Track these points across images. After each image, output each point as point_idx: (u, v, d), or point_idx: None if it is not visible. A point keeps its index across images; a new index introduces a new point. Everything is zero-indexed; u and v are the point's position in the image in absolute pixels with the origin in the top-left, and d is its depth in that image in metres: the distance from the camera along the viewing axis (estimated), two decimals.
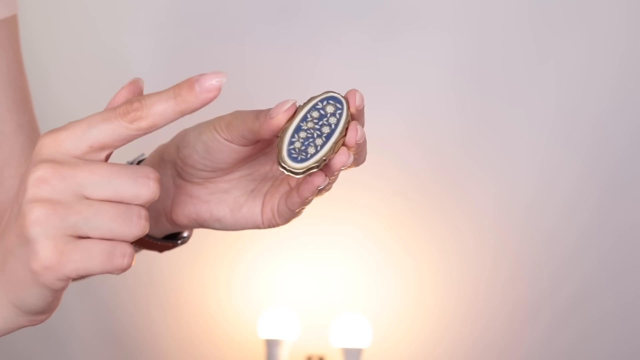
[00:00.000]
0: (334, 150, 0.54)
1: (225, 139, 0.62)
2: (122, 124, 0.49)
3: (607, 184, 1.81)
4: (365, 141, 0.57)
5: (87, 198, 0.48)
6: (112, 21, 1.81)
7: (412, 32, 1.79)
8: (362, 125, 0.56)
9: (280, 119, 0.56)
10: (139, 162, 0.68)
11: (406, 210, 1.81)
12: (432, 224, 1.82)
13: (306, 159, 0.53)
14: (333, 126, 0.54)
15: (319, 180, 0.55)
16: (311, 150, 0.54)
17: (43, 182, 0.47)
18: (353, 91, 0.56)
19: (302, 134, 0.54)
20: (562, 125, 1.81)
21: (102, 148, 0.50)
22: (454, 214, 1.82)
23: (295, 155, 0.54)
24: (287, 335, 1.70)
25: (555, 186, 1.81)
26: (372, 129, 1.78)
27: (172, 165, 0.65)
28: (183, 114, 0.51)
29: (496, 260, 1.83)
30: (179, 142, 0.64)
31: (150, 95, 0.50)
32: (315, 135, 0.54)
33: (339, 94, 0.56)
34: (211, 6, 1.79)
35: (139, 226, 0.49)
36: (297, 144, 0.54)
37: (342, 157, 0.54)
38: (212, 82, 0.51)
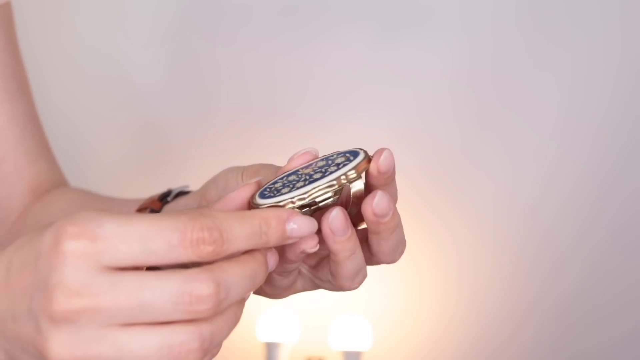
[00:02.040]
0: (312, 197, 0.44)
1: None
2: (193, 257, 0.39)
3: (607, 185, 1.81)
4: (391, 220, 0.48)
5: (122, 325, 0.39)
6: (111, 23, 1.81)
7: (412, 34, 1.79)
8: (390, 198, 0.47)
9: (292, 165, 0.48)
10: (178, 195, 0.61)
11: (404, 212, 1.80)
12: (431, 225, 1.82)
13: (272, 197, 0.45)
14: (326, 173, 0.44)
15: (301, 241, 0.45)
16: (285, 190, 0.45)
17: (68, 322, 0.38)
18: (380, 150, 0.46)
19: (292, 177, 0.46)
20: (562, 126, 1.81)
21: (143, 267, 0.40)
22: (453, 214, 1.82)
23: (266, 193, 0.45)
24: (286, 337, 1.70)
25: (554, 187, 1.81)
26: (370, 130, 1.78)
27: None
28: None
29: (495, 260, 1.83)
30: (214, 186, 0.56)
31: (231, 223, 0.40)
32: (303, 179, 0.45)
33: (363, 150, 0.46)
34: (211, 7, 1.79)
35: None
36: (278, 184, 0.46)
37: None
38: (303, 229, 0.43)
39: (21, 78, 0.76)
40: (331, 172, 0.44)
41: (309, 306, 1.78)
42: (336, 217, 0.45)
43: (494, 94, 1.81)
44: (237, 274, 0.40)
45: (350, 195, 0.46)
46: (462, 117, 1.81)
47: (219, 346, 0.40)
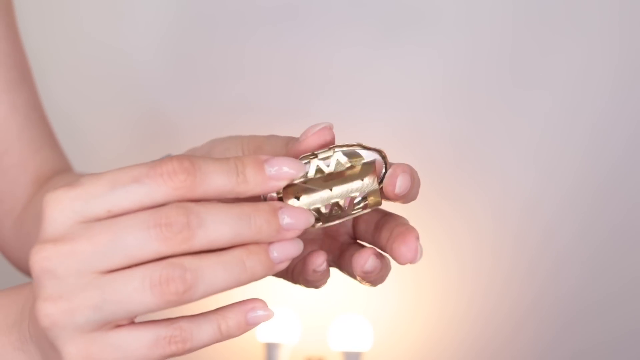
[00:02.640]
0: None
1: None
2: (166, 190, 0.38)
3: (605, 181, 1.81)
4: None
5: (102, 272, 0.39)
6: (112, 16, 1.80)
7: (412, 34, 1.79)
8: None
9: (309, 142, 0.46)
10: None
11: (404, 213, 1.81)
12: (429, 224, 1.81)
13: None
14: (346, 191, 0.44)
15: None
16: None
17: (46, 272, 0.38)
18: (397, 169, 0.46)
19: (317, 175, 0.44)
20: (559, 122, 1.81)
21: (124, 214, 0.39)
22: (451, 213, 1.82)
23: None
24: (286, 338, 1.70)
25: (552, 184, 1.82)
26: (369, 128, 1.78)
27: None
28: (236, 197, 0.41)
29: (494, 259, 1.83)
30: (206, 153, 0.55)
31: (204, 161, 0.39)
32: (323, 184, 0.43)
33: (381, 154, 0.45)
34: (211, 8, 1.79)
35: (177, 293, 0.39)
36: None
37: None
38: (286, 170, 0.41)
39: (23, 67, 0.75)
40: (352, 192, 0.43)
41: (309, 306, 1.78)
42: (370, 266, 0.46)
43: (491, 91, 1.81)
44: (218, 208, 0.39)
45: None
46: (460, 115, 1.81)
47: (212, 287, 0.39)
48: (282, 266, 0.41)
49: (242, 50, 1.80)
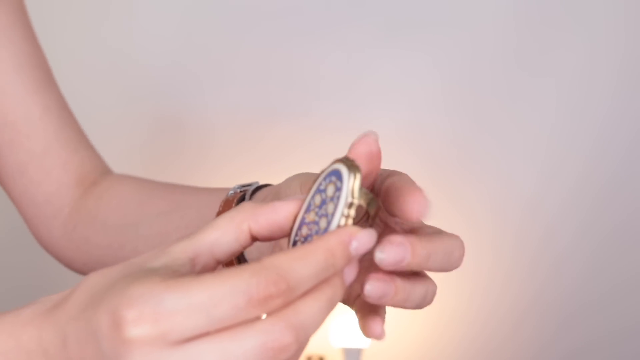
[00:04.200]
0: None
1: None
2: (258, 313, 0.36)
3: (607, 182, 1.81)
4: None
5: None
6: (118, 24, 1.81)
7: (412, 34, 1.80)
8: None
9: (355, 151, 0.44)
10: (254, 191, 0.57)
11: None
12: (429, 222, 1.82)
13: None
14: (329, 217, 0.41)
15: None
16: None
17: None
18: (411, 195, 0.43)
19: (304, 231, 0.42)
20: (562, 124, 1.81)
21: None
22: (450, 211, 1.82)
23: None
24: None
25: (554, 184, 1.82)
26: (369, 128, 1.79)
27: None
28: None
29: (494, 258, 1.83)
30: (283, 190, 0.52)
31: (295, 268, 0.37)
32: (314, 231, 0.42)
33: (343, 163, 0.42)
34: (211, 10, 1.80)
35: None
36: (299, 245, 0.42)
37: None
38: (364, 247, 0.39)
39: (46, 67, 0.74)
40: (328, 217, 0.41)
41: None
42: (369, 292, 0.43)
43: (493, 91, 1.82)
44: (314, 309, 0.38)
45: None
46: (462, 115, 1.82)
47: (314, 331, 0.39)
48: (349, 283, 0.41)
49: (244, 51, 1.80)
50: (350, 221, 0.40)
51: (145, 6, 1.81)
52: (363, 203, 0.42)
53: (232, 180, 1.85)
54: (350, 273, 0.40)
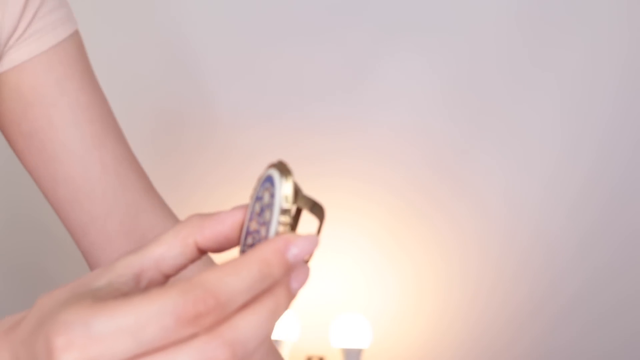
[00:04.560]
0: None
1: None
2: (190, 332, 0.35)
3: (612, 190, 1.81)
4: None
5: None
6: (118, 21, 1.81)
7: (413, 34, 1.79)
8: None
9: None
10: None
11: (405, 212, 1.82)
12: (432, 224, 1.82)
13: None
14: (267, 226, 0.40)
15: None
16: None
17: None
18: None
19: (249, 240, 0.41)
20: (563, 127, 1.81)
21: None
22: (455, 214, 1.82)
23: None
24: (287, 336, 1.70)
25: (559, 191, 1.81)
26: (372, 130, 1.78)
27: None
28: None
29: (498, 262, 1.83)
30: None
31: (227, 282, 0.36)
32: (256, 240, 0.41)
33: (276, 167, 0.40)
34: (215, 9, 1.80)
35: None
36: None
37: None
38: (305, 253, 0.38)
39: (107, 117, 0.70)
40: (267, 226, 0.40)
41: (310, 305, 1.78)
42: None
43: (499, 96, 1.81)
44: (252, 322, 0.37)
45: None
46: (462, 118, 1.81)
47: (256, 346, 0.37)
48: (299, 291, 0.40)
49: (245, 52, 1.80)
50: (287, 228, 0.39)
51: (147, 4, 1.80)
52: (303, 207, 0.40)
53: (230, 180, 1.85)
54: (298, 280, 0.39)
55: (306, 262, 0.39)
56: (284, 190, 0.39)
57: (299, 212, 0.41)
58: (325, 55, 1.81)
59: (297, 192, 0.40)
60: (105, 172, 0.67)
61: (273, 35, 1.80)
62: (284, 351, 1.70)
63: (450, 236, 1.82)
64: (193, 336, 0.35)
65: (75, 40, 0.71)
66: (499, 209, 1.82)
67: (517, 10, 1.79)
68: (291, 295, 0.39)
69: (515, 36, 1.79)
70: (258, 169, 1.75)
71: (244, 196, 1.78)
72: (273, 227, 0.39)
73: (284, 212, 0.39)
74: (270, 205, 0.40)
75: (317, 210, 0.41)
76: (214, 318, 0.35)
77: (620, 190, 1.81)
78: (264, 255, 0.37)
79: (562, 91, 1.80)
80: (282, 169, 0.40)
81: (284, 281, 0.38)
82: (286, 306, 0.39)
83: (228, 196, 1.80)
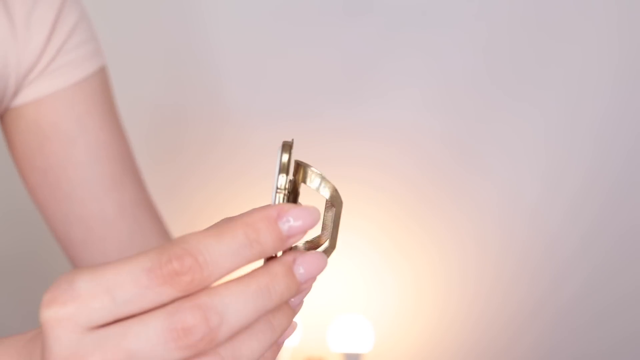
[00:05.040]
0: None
1: None
2: (173, 292, 0.34)
3: (611, 187, 1.81)
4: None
5: None
6: (117, 18, 1.81)
7: (412, 33, 1.79)
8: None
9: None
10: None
11: (404, 214, 1.81)
12: (431, 226, 1.81)
13: None
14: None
15: None
16: None
17: None
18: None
19: None
20: (564, 128, 1.81)
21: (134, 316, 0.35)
22: (454, 216, 1.82)
23: None
24: (287, 339, 1.70)
25: (558, 189, 1.81)
26: (371, 129, 1.78)
27: None
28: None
29: (497, 261, 1.83)
30: None
31: (207, 243, 0.35)
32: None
33: (282, 144, 0.40)
34: (214, 7, 1.79)
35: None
36: None
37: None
38: (301, 224, 0.36)
39: (126, 157, 0.68)
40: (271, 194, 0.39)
41: (310, 307, 1.78)
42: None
43: (497, 95, 1.81)
44: (235, 292, 0.35)
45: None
46: (463, 117, 1.81)
47: None
48: (300, 308, 0.38)
49: (244, 50, 1.80)
50: (284, 198, 0.38)
51: (147, 1, 1.80)
52: (307, 180, 0.39)
53: (230, 181, 1.85)
54: (307, 267, 0.38)
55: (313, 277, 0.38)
56: (282, 159, 0.38)
57: (295, 192, 0.40)
58: (323, 55, 1.81)
59: (299, 165, 0.39)
60: (122, 215, 0.66)
61: (270, 34, 1.80)
62: (284, 354, 1.70)
63: (450, 237, 1.82)
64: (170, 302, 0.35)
65: (101, 76, 0.69)
66: (499, 211, 1.82)
67: (523, 9, 1.79)
68: (291, 312, 0.37)
69: (516, 35, 1.79)
70: (256, 170, 1.75)
71: (249, 196, 1.78)
72: (272, 196, 0.38)
73: (280, 180, 0.38)
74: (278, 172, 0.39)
75: (326, 188, 0.40)
76: (192, 280, 0.34)
77: (631, 185, 1.81)
78: (251, 220, 0.36)
79: (561, 88, 1.80)
80: (284, 144, 0.39)
81: (288, 260, 0.37)
82: (285, 322, 0.37)
83: (234, 195, 1.79)
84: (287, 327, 0.38)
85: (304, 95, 1.82)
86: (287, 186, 0.38)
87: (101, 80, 0.69)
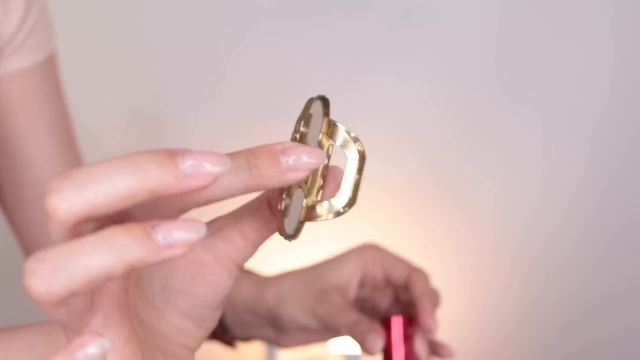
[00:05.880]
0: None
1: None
2: (164, 177, 0.32)
3: (609, 186, 1.81)
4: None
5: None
6: (114, 16, 1.81)
7: (413, 33, 1.79)
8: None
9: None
10: None
11: (403, 214, 1.81)
12: (430, 227, 1.81)
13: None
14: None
15: None
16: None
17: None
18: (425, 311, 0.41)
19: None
20: (563, 126, 1.81)
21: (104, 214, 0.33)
22: (452, 216, 1.82)
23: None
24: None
25: (555, 189, 1.81)
26: (370, 129, 1.78)
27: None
28: (250, 192, 0.36)
29: (494, 261, 1.83)
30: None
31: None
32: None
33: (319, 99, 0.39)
34: (213, 7, 1.79)
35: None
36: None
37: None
38: (305, 160, 0.36)
39: (73, 129, 0.76)
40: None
41: None
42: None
43: (495, 94, 1.82)
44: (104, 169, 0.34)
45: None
46: (463, 118, 1.81)
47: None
48: (173, 252, 0.32)
49: (241, 49, 1.80)
50: (298, 138, 0.39)
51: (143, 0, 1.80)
52: (328, 131, 0.39)
53: None
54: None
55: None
56: (306, 108, 0.40)
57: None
58: (322, 54, 1.81)
59: (330, 122, 0.40)
60: None
61: (269, 33, 1.80)
62: (283, 355, 1.70)
63: (448, 238, 1.82)
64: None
65: (53, 62, 0.76)
66: (497, 212, 1.82)
67: (522, 9, 1.79)
68: (279, 166, 0.36)
69: (517, 34, 1.79)
70: None
71: (249, 197, 1.78)
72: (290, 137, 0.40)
73: (298, 122, 0.40)
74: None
75: (346, 144, 0.41)
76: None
77: (627, 186, 1.81)
78: (255, 149, 0.36)
79: (560, 88, 1.80)
80: (316, 97, 0.40)
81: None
82: (267, 175, 0.36)
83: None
84: (134, 259, 0.33)
85: (304, 96, 1.81)
86: (302, 130, 0.40)
87: (56, 60, 0.76)
